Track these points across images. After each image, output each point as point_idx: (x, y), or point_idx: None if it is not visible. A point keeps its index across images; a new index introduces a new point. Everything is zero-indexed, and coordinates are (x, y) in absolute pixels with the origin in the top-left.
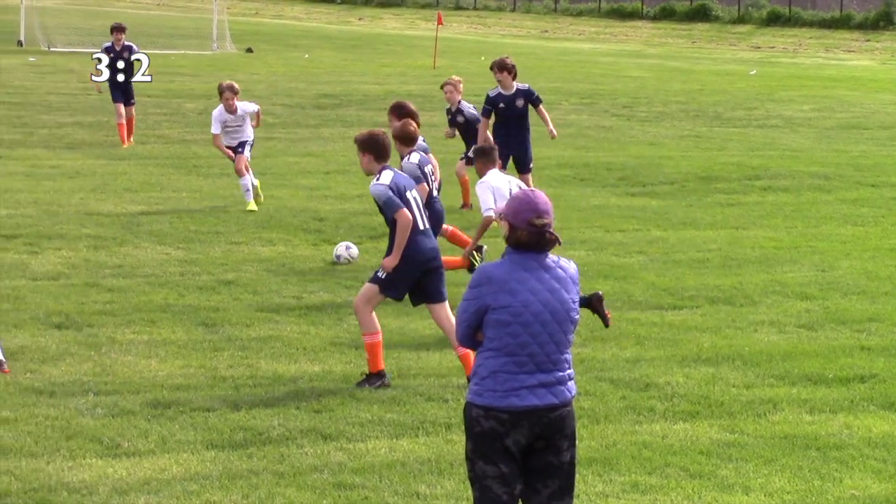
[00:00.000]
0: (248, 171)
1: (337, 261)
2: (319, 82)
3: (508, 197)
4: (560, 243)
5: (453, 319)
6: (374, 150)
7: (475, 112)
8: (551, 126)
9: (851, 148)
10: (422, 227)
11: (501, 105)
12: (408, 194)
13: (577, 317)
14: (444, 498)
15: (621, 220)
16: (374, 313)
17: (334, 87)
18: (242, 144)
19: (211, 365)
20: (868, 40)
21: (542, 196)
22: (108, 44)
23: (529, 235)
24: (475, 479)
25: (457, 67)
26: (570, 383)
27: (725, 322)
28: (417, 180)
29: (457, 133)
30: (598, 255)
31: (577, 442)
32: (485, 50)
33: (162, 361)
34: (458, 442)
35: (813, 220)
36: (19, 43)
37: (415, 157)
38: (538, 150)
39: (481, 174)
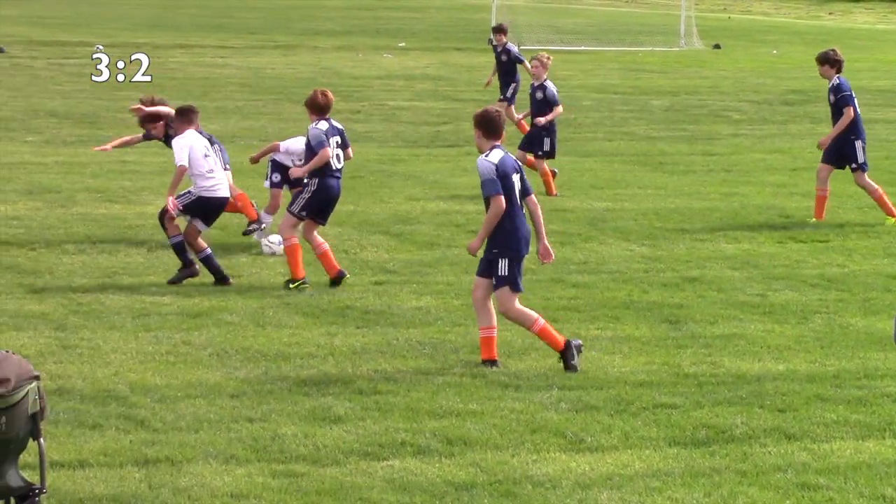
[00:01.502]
0: None
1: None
2: (788, 78)
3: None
4: None
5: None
6: (483, 126)
7: (555, 93)
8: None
9: None
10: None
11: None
12: (513, 177)
13: None
14: None
15: None
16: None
17: (802, 82)
18: None
19: (674, 362)
20: None
21: None
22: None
23: None
24: None
25: None
26: None
27: None
28: (320, 145)
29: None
30: None
31: None
32: None
33: (625, 357)
34: None
35: None
36: (489, 41)
37: (323, 125)
38: None
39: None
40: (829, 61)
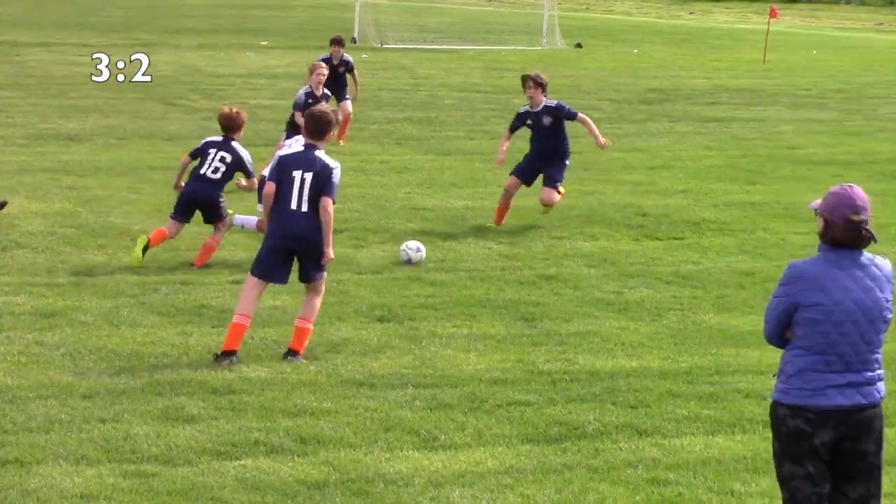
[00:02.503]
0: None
1: (409, 263)
2: (647, 77)
3: None
4: (875, 241)
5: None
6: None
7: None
8: (597, 133)
9: None
10: None
11: (529, 122)
12: (295, 172)
13: (890, 316)
14: (758, 496)
15: None
16: None
17: (662, 81)
18: None
19: (529, 359)
20: None
21: (860, 191)
22: (327, 55)
23: (845, 232)
24: (783, 480)
25: (787, 62)
26: (880, 384)
27: None
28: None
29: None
30: None
31: (884, 445)
32: (817, 44)
33: (480, 355)
34: None
35: None
36: (353, 40)
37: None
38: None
39: None
40: (543, 85)
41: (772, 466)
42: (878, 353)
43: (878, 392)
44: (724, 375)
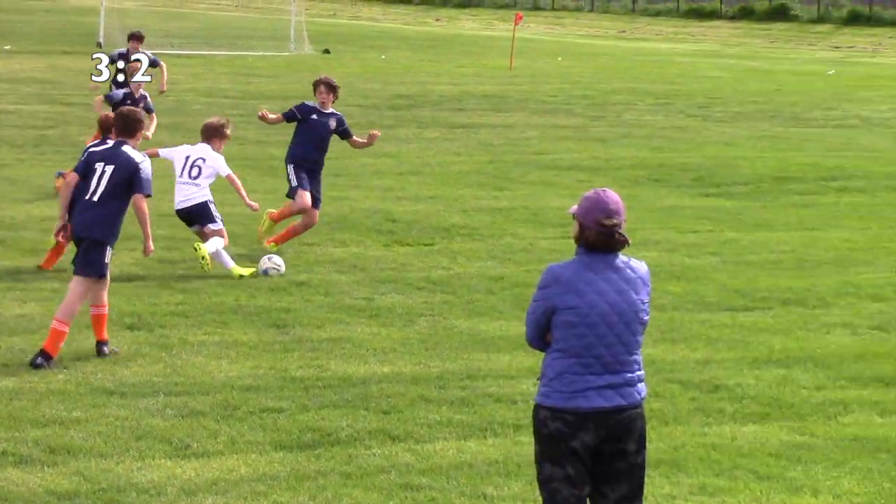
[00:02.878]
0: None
1: (266, 274)
2: (395, 83)
3: None
4: (629, 244)
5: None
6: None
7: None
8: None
9: None
10: None
11: (314, 117)
12: (97, 165)
13: (646, 318)
14: (511, 500)
15: (695, 220)
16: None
17: (410, 87)
18: None
19: (281, 366)
20: None
21: (614, 196)
22: (123, 50)
23: (598, 235)
24: (543, 481)
25: (533, 68)
26: (640, 385)
27: (797, 324)
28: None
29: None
30: (671, 255)
31: (646, 445)
32: (562, 50)
33: (232, 362)
34: (526, 444)
35: (888, 221)
36: (98, 44)
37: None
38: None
39: None
40: (335, 90)
41: (523, 470)
42: (636, 354)
43: (639, 393)
44: (475, 380)
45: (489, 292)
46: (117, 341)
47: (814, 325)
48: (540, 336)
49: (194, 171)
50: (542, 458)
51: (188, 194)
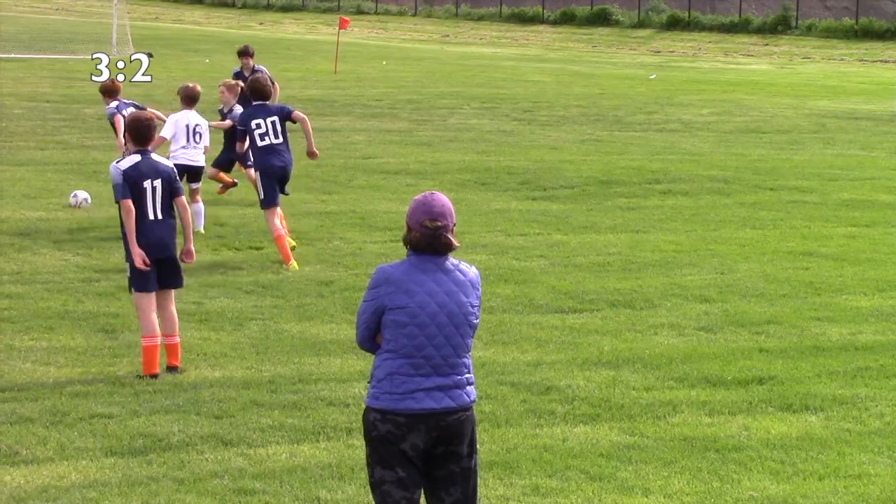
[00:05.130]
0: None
1: (76, 206)
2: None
3: None
4: (455, 247)
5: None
6: (130, 132)
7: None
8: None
9: (750, 152)
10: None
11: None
12: (145, 182)
13: (475, 321)
14: (344, 503)
15: (522, 223)
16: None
17: None
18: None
19: (110, 371)
20: (766, 44)
21: (442, 198)
22: (237, 69)
23: (423, 237)
24: (374, 485)
25: (358, 72)
26: (470, 388)
27: (626, 325)
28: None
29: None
30: (499, 258)
31: (478, 448)
32: (386, 54)
33: (60, 368)
34: (358, 447)
35: (712, 224)
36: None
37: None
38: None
39: None
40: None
41: (357, 473)
42: (465, 357)
43: (468, 396)
44: (307, 384)
45: (319, 296)
46: None
47: (641, 326)
48: (370, 337)
49: (197, 137)
50: (372, 460)
51: (195, 156)
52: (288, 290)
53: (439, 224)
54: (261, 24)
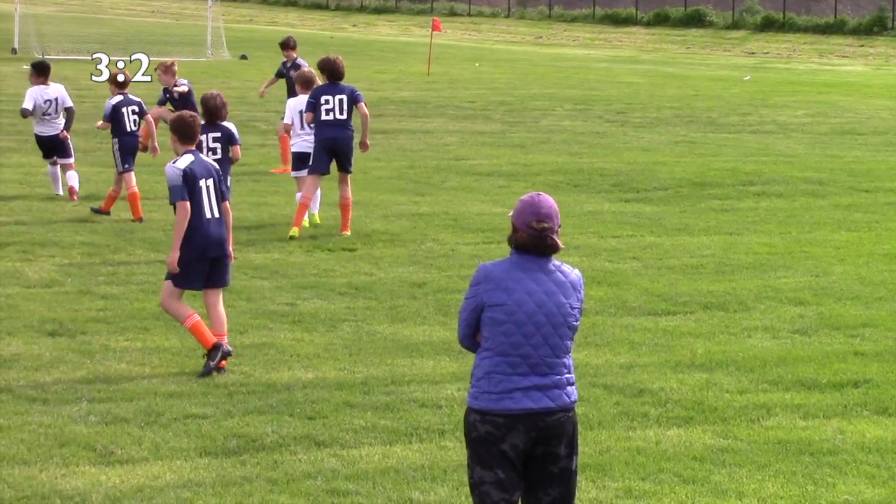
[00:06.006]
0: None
1: None
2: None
3: None
4: (560, 249)
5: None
6: (178, 131)
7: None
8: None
9: (845, 153)
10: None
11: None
12: (201, 182)
13: (575, 323)
14: None
15: (615, 225)
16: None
17: None
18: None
19: None
20: (862, 45)
21: (548, 200)
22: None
23: (529, 238)
24: (474, 485)
25: (451, 74)
26: (570, 388)
27: (719, 328)
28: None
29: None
30: (592, 261)
31: (578, 450)
32: (479, 56)
33: (155, 368)
34: (451, 448)
35: (807, 226)
36: (13, 50)
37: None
38: (532, 155)
39: None
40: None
41: (449, 475)
42: (564, 357)
43: (568, 396)
44: (399, 385)
45: (412, 297)
46: (38, 348)
47: (735, 328)
48: (471, 335)
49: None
50: (472, 461)
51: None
52: (381, 292)
53: (546, 225)
54: (354, 25)
